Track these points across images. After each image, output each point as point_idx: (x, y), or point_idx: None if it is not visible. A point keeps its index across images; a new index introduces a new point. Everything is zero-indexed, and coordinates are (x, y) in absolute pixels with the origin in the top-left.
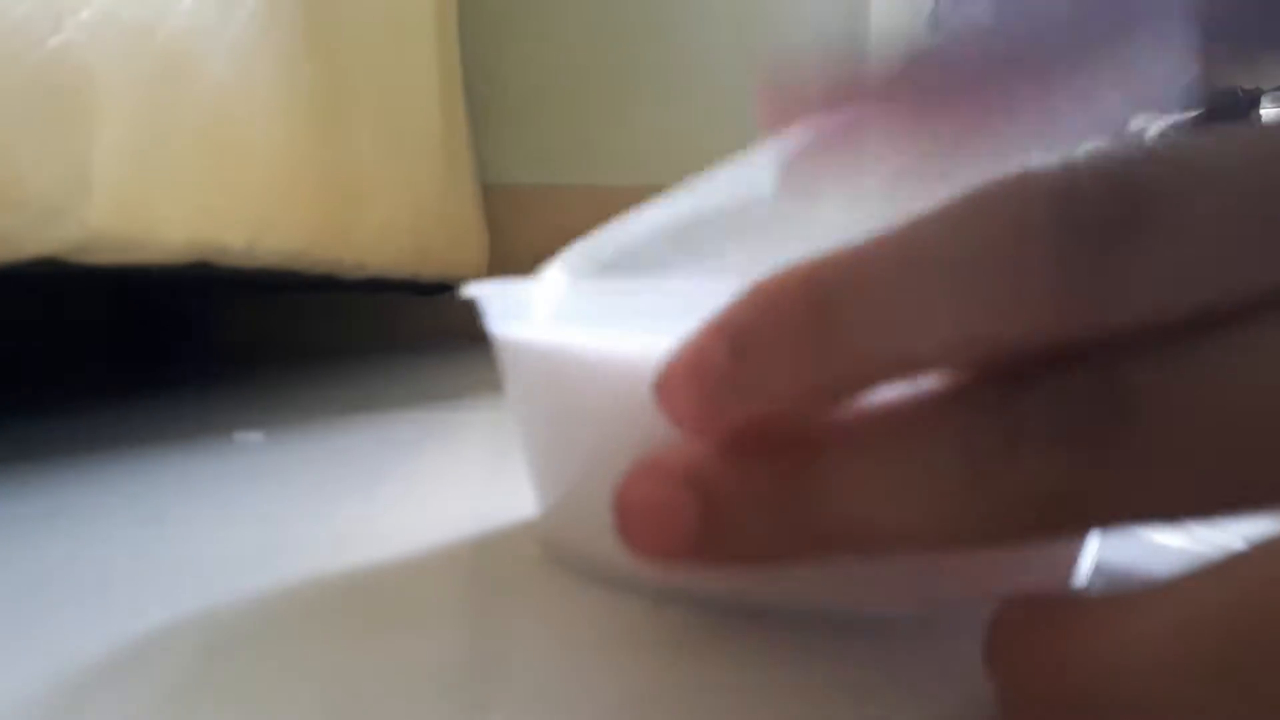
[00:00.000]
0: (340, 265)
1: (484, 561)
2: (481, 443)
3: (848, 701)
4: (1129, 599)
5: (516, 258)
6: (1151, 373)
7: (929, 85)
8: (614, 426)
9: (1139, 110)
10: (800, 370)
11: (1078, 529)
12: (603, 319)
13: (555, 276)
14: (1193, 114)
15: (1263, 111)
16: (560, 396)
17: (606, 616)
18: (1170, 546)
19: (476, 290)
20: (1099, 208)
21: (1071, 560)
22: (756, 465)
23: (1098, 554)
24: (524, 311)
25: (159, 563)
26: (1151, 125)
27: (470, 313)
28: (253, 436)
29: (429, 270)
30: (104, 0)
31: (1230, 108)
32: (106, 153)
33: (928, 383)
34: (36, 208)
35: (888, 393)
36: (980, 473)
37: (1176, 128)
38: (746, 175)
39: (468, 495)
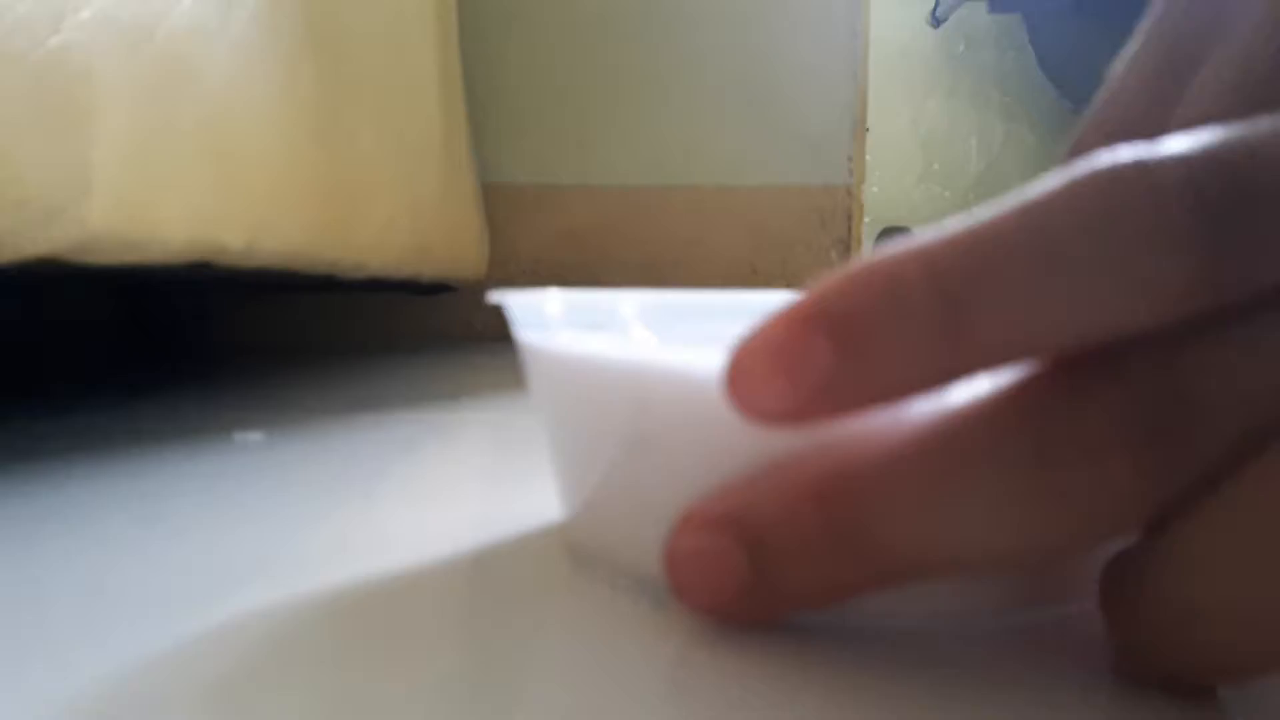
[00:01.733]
0: (340, 265)
1: (485, 562)
2: (481, 443)
3: (874, 703)
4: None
5: (516, 258)
6: (1212, 352)
7: None
8: (640, 433)
9: None
10: (924, 362)
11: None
12: (613, 326)
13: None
14: None
15: None
16: (589, 404)
17: (624, 620)
18: None
19: (502, 298)
20: (1220, 195)
21: None
22: (800, 505)
23: None
24: (543, 319)
25: (158, 563)
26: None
27: (468, 313)
28: (253, 436)
29: (429, 270)
30: (104, 0)
31: None
32: (106, 153)
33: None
34: (36, 208)
35: (919, 405)
36: (1053, 476)
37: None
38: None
39: (468, 496)
